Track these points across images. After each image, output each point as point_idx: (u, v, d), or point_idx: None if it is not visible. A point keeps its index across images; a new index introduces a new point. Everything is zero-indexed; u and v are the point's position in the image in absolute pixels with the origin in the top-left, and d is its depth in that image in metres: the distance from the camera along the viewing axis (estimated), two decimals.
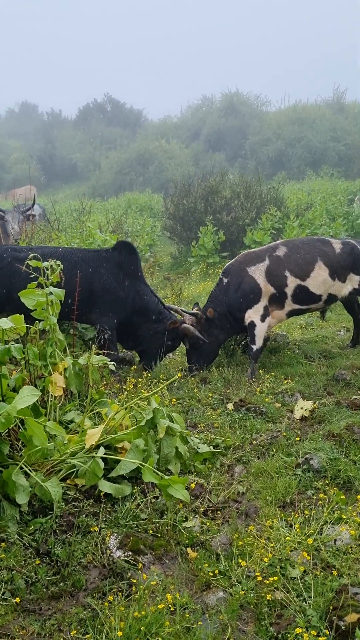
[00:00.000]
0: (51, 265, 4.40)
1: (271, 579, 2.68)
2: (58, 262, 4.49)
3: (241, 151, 34.97)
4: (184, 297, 9.25)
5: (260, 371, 5.62)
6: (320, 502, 3.32)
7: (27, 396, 2.82)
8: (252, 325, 5.63)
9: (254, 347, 5.63)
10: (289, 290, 5.67)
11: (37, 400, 3.09)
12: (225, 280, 5.81)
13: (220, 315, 5.77)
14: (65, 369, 4.10)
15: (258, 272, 5.67)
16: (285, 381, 5.31)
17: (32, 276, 4.27)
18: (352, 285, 5.89)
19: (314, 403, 4.71)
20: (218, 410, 4.70)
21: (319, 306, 5.98)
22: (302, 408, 4.62)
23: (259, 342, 5.64)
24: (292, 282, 5.65)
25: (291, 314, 5.90)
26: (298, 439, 4.10)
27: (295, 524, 3.11)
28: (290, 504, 3.38)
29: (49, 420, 3.77)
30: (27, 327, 3.77)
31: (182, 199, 14.68)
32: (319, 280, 5.67)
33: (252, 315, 5.64)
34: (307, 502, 3.37)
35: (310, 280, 5.66)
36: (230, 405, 4.75)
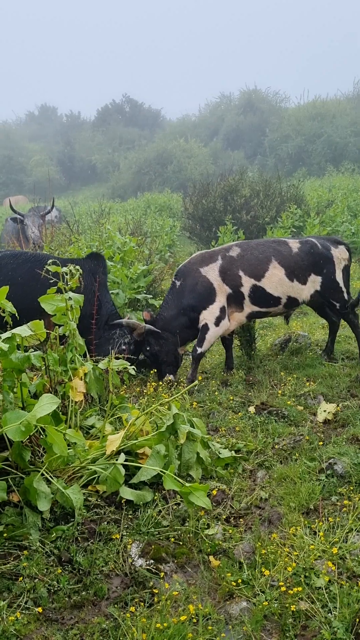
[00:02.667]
0: (70, 270, 4.42)
1: (295, 589, 2.63)
2: (77, 267, 4.51)
3: (260, 148, 34.75)
4: None
5: (282, 373, 5.56)
6: (345, 508, 3.25)
7: (47, 404, 2.81)
8: (205, 327, 5.43)
9: (198, 350, 5.46)
10: (245, 291, 5.45)
11: (57, 407, 3.09)
12: (177, 283, 5.58)
13: (170, 318, 5.54)
14: (85, 374, 4.10)
15: (211, 272, 5.48)
16: (308, 383, 5.23)
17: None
18: (313, 287, 5.62)
19: (338, 406, 4.63)
20: (239, 413, 4.65)
21: (280, 310, 5.67)
22: (325, 411, 4.54)
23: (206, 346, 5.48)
24: (247, 282, 5.44)
25: (251, 316, 5.64)
26: (321, 443, 4.04)
27: (319, 531, 3.06)
28: (314, 511, 3.32)
29: (69, 426, 3.78)
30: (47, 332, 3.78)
31: (201, 198, 14.63)
32: (274, 280, 5.44)
33: (207, 317, 5.43)
34: (331, 508, 3.31)
35: (266, 280, 5.45)
36: (251, 409, 4.70)
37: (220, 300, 5.43)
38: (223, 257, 5.53)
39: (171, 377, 5.50)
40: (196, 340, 5.53)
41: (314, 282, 5.61)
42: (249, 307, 5.53)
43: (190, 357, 5.69)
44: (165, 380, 5.40)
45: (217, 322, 5.42)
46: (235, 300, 5.50)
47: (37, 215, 10.28)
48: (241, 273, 5.44)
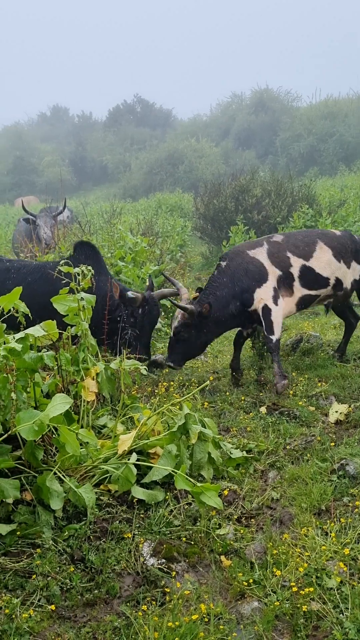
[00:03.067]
0: (82, 271, 4.45)
1: (307, 589, 2.63)
2: (89, 268, 4.54)
3: (272, 148, 34.63)
4: None
5: (294, 373, 5.55)
6: (356, 509, 3.25)
7: (60, 404, 2.84)
8: (267, 309, 5.20)
9: (273, 337, 5.20)
10: (295, 272, 5.35)
11: (70, 407, 3.11)
12: (223, 264, 5.38)
13: (222, 298, 5.24)
14: (97, 374, 4.12)
15: (260, 254, 5.38)
16: (319, 384, 5.22)
17: None
18: (354, 275, 5.66)
19: (349, 406, 4.61)
20: (251, 413, 4.65)
21: (328, 292, 5.56)
22: (336, 411, 4.53)
23: (277, 331, 5.21)
24: (296, 263, 5.36)
25: (301, 302, 5.49)
26: (333, 443, 4.03)
27: (331, 532, 3.05)
28: (325, 511, 3.32)
29: (81, 425, 3.81)
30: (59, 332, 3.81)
31: (212, 198, 14.62)
32: (323, 260, 5.42)
33: (263, 295, 5.21)
34: (343, 509, 3.30)
35: (315, 260, 5.41)
36: (263, 409, 4.70)
37: (272, 280, 5.29)
38: (268, 242, 5.50)
39: (169, 363, 5.30)
40: (263, 329, 5.26)
41: (354, 270, 5.67)
42: (299, 291, 5.41)
43: (268, 350, 5.42)
44: (171, 365, 5.26)
45: (276, 301, 5.24)
46: (285, 282, 5.36)
47: (49, 215, 10.34)
48: (289, 254, 5.39)
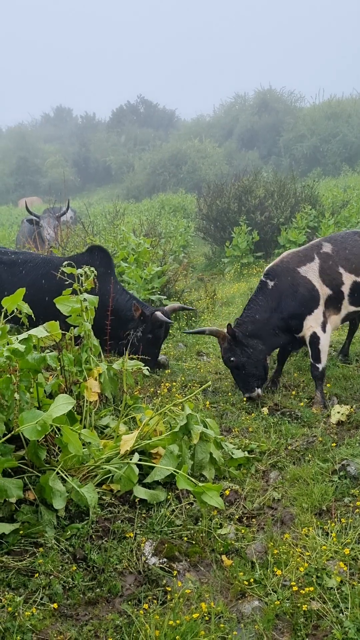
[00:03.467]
0: (85, 272, 4.48)
1: (307, 589, 2.65)
2: (92, 268, 4.57)
3: (275, 148, 34.62)
4: (218, 299, 9.23)
5: (295, 374, 5.56)
6: (357, 510, 3.26)
7: (63, 404, 2.86)
8: (315, 338, 4.87)
9: (319, 366, 4.91)
10: (346, 290, 4.97)
11: (72, 407, 3.14)
12: (270, 284, 5.01)
13: (263, 322, 4.97)
14: (100, 375, 4.15)
15: (311, 273, 4.97)
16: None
17: None
18: None
19: (351, 407, 4.63)
20: (253, 414, 4.67)
21: None
22: (338, 412, 4.54)
23: (324, 359, 4.92)
24: (348, 280, 4.95)
25: (345, 318, 5.22)
26: (334, 444, 4.04)
27: (331, 532, 3.07)
28: (326, 512, 3.34)
29: (84, 425, 3.83)
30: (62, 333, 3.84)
31: (215, 199, 14.65)
32: None
33: (313, 324, 4.89)
34: (343, 509, 3.32)
35: None
36: (264, 409, 4.71)
37: (323, 304, 4.96)
38: (319, 254, 5.05)
39: (259, 390, 4.94)
40: (310, 357, 4.99)
41: None
42: (345, 309, 5.10)
43: (312, 376, 5.05)
44: (253, 396, 4.91)
45: (324, 327, 4.92)
46: (334, 301, 5.03)
47: (53, 216, 10.37)
48: (341, 270, 4.99)
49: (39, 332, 3.13)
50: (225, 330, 4.93)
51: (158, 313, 5.44)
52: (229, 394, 5.12)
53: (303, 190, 14.83)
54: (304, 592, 2.65)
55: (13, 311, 3.41)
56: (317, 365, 4.92)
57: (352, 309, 5.15)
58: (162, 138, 39.74)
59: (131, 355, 4.67)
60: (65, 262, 4.67)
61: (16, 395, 2.83)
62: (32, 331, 3.12)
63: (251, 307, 5.04)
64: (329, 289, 4.99)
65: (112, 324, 5.21)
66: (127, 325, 5.58)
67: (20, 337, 3.04)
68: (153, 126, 43.21)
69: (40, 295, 5.33)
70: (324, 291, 4.97)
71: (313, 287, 4.93)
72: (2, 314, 3.38)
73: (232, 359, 4.90)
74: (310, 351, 4.97)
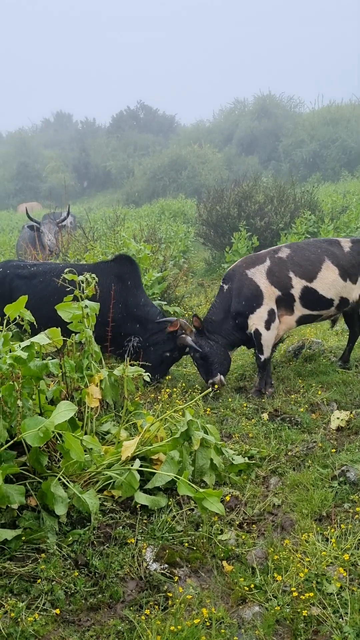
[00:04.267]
0: (86, 279, 4.52)
1: (307, 594, 2.68)
2: (93, 275, 4.61)
3: (275, 154, 34.75)
4: None
5: (292, 381, 5.58)
6: (357, 515, 3.29)
7: (65, 411, 2.89)
8: (257, 333, 5.33)
9: (262, 357, 5.37)
10: (296, 293, 5.32)
11: (74, 413, 3.16)
12: (225, 287, 5.53)
13: (218, 322, 5.49)
14: (101, 381, 4.18)
15: (258, 274, 5.37)
16: (319, 391, 5.26)
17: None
18: None
19: (351, 413, 4.65)
20: (253, 420, 4.70)
21: (332, 312, 5.58)
22: (338, 418, 4.57)
23: (267, 352, 5.38)
24: (298, 284, 5.30)
25: (301, 320, 5.54)
26: (334, 450, 4.07)
27: (331, 538, 3.10)
28: (326, 517, 3.36)
29: (85, 431, 3.85)
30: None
31: (215, 204, 14.70)
32: (328, 281, 5.35)
33: (256, 321, 5.33)
34: (343, 515, 3.34)
35: (318, 281, 5.32)
36: (265, 415, 4.74)
37: (268, 304, 5.31)
38: (271, 258, 5.41)
39: (221, 377, 5.39)
40: (255, 348, 5.46)
41: None
42: (299, 311, 5.41)
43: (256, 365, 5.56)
44: (216, 380, 5.33)
45: (268, 325, 5.30)
46: (285, 302, 5.37)
47: (53, 222, 10.41)
48: (291, 274, 5.32)
49: (41, 339, 3.16)
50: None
51: (188, 338, 5.52)
52: (229, 399, 5.15)
53: (302, 195, 14.89)
54: (304, 597, 2.67)
55: (15, 318, 3.44)
56: (259, 356, 5.41)
57: (307, 312, 5.45)
58: (162, 143, 39.87)
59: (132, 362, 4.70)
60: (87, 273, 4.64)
61: (19, 402, 2.86)
62: (34, 338, 3.15)
63: (210, 309, 5.66)
64: (278, 290, 5.34)
65: (137, 332, 5.49)
66: (151, 337, 5.66)
67: (23, 344, 3.07)
68: (153, 131, 43.38)
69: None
70: (270, 292, 5.33)
71: (257, 287, 5.32)
72: (6, 321, 3.41)
73: (197, 351, 5.40)
74: (255, 344, 5.42)
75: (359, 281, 5.51)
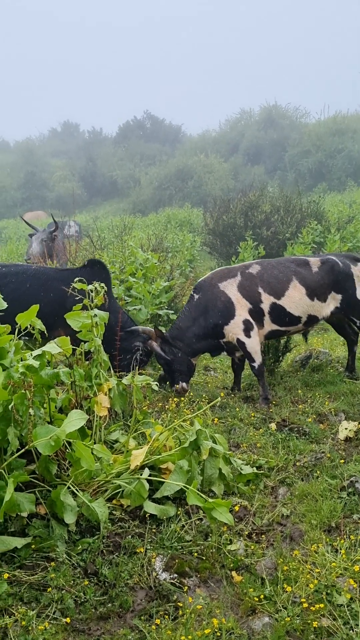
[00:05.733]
0: (95, 288, 4.54)
1: (317, 605, 2.67)
2: (102, 285, 4.64)
3: (280, 163, 34.90)
4: None
5: (300, 391, 5.58)
6: None
7: (75, 420, 2.91)
8: (240, 343, 5.46)
9: (255, 364, 5.47)
10: (265, 308, 5.49)
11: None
12: (195, 297, 5.65)
13: (184, 329, 5.60)
14: (109, 390, 4.20)
15: (230, 287, 5.54)
16: (326, 402, 5.25)
17: None
18: (334, 304, 5.64)
19: (359, 423, 4.65)
20: (261, 430, 4.70)
21: (300, 328, 5.72)
22: (346, 428, 4.56)
23: (257, 358, 5.46)
24: (267, 300, 5.48)
25: (270, 335, 5.67)
26: (342, 461, 4.06)
27: (341, 549, 3.09)
28: (335, 528, 3.35)
29: (94, 440, 3.87)
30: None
31: (221, 214, 14.78)
32: (295, 299, 5.48)
33: (234, 331, 5.46)
34: (352, 526, 3.34)
35: (286, 299, 5.48)
36: (272, 425, 4.74)
37: (241, 314, 5.46)
38: (242, 273, 5.59)
39: (184, 384, 5.56)
40: (246, 359, 5.60)
41: (335, 299, 5.64)
42: (268, 325, 5.55)
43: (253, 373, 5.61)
44: (177, 388, 5.50)
45: (248, 333, 5.44)
46: (256, 315, 5.51)
47: (46, 232, 10.46)
48: (260, 290, 5.49)
49: (52, 348, 3.19)
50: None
51: (154, 344, 5.60)
52: (237, 409, 5.15)
53: (309, 205, 14.95)
54: (314, 608, 2.67)
55: (26, 327, 3.47)
56: (252, 364, 5.49)
57: (276, 327, 5.59)
58: (168, 153, 40.14)
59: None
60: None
61: (30, 411, 2.88)
62: (46, 347, 3.18)
63: (179, 317, 5.79)
64: (249, 303, 5.50)
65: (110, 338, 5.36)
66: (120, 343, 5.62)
67: (34, 353, 3.10)
68: (159, 141, 43.69)
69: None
70: (242, 304, 5.49)
71: (229, 299, 5.51)
72: (17, 329, 3.44)
73: (161, 356, 5.57)
74: (244, 354, 5.54)
75: (328, 299, 5.64)
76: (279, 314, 5.51)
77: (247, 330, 5.44)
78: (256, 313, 5.50)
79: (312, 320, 5.66)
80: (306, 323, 5.64)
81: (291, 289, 5.50)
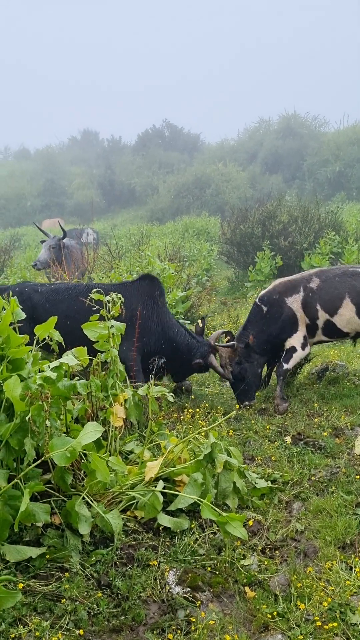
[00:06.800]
0: (112, 299, 4.58)
1: (331, 624, 2.65)
2: (119, 295, 4.67)
3: (299, 173, 34.84)
4: (241, 323, 9.25)
5: (316, 404, 5.56)
6: None
7: (91, 432, 2.94)
8: (293, 349, 5.69)
9: (285, 366, 5.66)
10: (320, 324, 5.73)
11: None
12: (265, 309, 5.80)
13: (257, 340, 5.74)
14: (125, 400, 4.22)
15: (295, 303, 5.75)
16: (342, 416, 5.22)
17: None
18: None
19: None
20: (276, 442, 4.68)
21: (346, 339, 5.99)
22: None
23: (292, 365, 5.70)
24: (322, 316, 5.70)
25: (317, 343, 6.00)
26: (358, 476, 4.03)
27: (355, 567, 3.06)
28: (350, 545, 3.33)
29: (109, 450, 3.89)
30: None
31: (239, 224, 14.79)
32: (345, 317, 5.64)
33: (294, 342, 5.72)
34: None
35: (337, 317, 5.67)
36: (288, 438, 4.72)
37: (302, 329, 5.74)
38: (305, 288, 5.80)
39: (255, 400, 5.71)
40: (282, 357, 5.72)
41: None
42: (319, 337, 5.84)
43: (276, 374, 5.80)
44: (251, 404, 5.64)
45: (304, 347, 5.73)
46: (310, 329, 5.79)
47: (54, 239, 10.56)
48: (318, 307, 5.71)
49: (70, 360, 3.23)
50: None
51: (214, 361, 5.85)
52: (252, 421, 5.14)
53: (327, 215, 14.89)
54: (327, 627, 2.65)
55: (45, 339, 3.51)
56: (283, 364, 5.67)
57: (325, 338, 5.91)
58: (186, 161, 40.30)
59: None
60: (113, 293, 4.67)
61: (47, 422, 2.92)
62: (63, 359, 3.21)
63: (248, 326, 5.86)
64: (308, 319, 5.75)
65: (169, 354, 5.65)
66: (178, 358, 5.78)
67: (52, 364, 3.13)
68: (178, 150, 43.88)
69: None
70: (304, 319, 5.75)
71: (294, 315, 5.73)
72: (35, 341, 3.48)
73: (236, 370, 5.72)
74: (284, 354, 5.71)
75: None
76: (330, 329, 5.75)
77: (305, 345, 5.74)
78: (312, 327, 5.78)
79: (358, 335, 5.86)
80: (354, 337, 5.89)
81: (343, 306, 5.67)
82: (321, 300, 5.68)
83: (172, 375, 5.88)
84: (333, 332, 5.75)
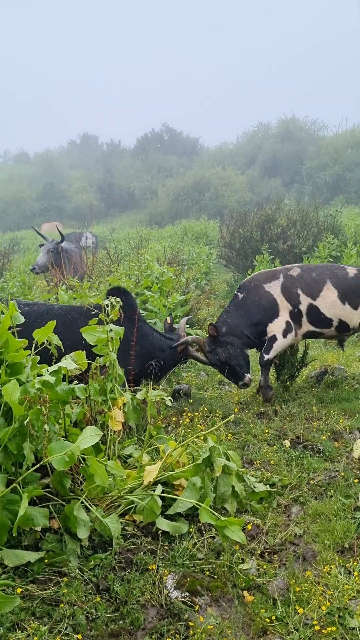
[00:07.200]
0: (111, 303, 4.59)
1: (329, 628, 2.65)
2: (118, 299, 4.68)
3: (298, 176, 34.94)
4: None
5: (314, 408, 5.56)
6: None
7: (90, 436, 2.94)
8: (274, 338, 5.73)
9: (266, 356, 5.71)
10: (303, 309, 5.75)
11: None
12: (240, 296, 5.91)
13: (234, 325, 5.77)
14: (124, 404, 4.22)
15: (274, 288, 5.82)
16: (341, 420, 5.22)
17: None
18: None
19: None
20: (274, 446, 4.68)
21: (332, 332, 5.93)
22: None
23: (272, 354, 5.74)
24: (304, 301, 5.73)
25: (307, 335, 5.93)
26: (357, 480, 4.03)
27: (354, 571, 3.07)
28: (349, 549, 3.33)
29: (108, 454, 3.89)
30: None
31: (238, 228, 14.82)
32: (328, 301, 5.70)
33: (275, 329, 5.75)
34: None
35: (320, 300, 5.72)
36: (286, 442, 4.72)
37: (284, 315, 5.74)
38: (285, 275, 5.88)
39: (249, 376, 5.73)
40: (263, 348, 5.77)
41: None
42: (306, 326, 5.84)
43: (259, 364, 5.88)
44: (246, 381, 5.69)
45: (285, 334, 5.73)
46: (295, 317, 5.80)
47: (52, 243, 10.59)
48: (299, 291, 5.78)
49: (68, 364, 3.23)
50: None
51: (192, 351, 5.79)
52: (251, 425, 5.15)
53: (325, 219, 14.93)
54: (325, 631, 2.65)
55: (43, 343, 3.52)
56: (264, 355, 5.73)
57: (312, 328, 5.86)
58: (185, 165, 40.41)
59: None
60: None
61: (45, 426, 2.92)
62: (62, 363, 3.22)
63: (224, 315, 5.93)
64: (290, 305, 5.79)
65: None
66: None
67: (51, 368, 3.14)
68: (177, 153, 44.01)
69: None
70: (285, 305, 5.79)
71: (274, 300, 5.79)
72: (34, 345, 3.49)
73: (216, 358, 5.71)
74: (265, 344, 5.76)
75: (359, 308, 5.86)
76: (315, 315, 5.76)
77: (287, 331, 5.74)
78: (296, 314, 5.79)
79: (343, 326, 5.85)
80: (337, 328, 5.86)
81: (325, 290, 5.75)
82: (302, 284, 5.77)
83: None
84: (319, 321, 5.78)
